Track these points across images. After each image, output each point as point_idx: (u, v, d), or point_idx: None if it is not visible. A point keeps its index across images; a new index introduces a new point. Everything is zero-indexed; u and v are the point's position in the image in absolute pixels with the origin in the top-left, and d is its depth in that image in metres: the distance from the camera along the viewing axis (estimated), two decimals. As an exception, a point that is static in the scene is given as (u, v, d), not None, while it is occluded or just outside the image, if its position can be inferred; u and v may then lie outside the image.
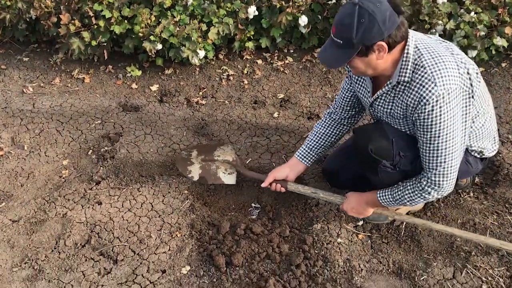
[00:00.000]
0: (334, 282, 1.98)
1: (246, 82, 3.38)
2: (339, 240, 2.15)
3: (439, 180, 1.81)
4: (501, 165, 2.48)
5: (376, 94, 1.89)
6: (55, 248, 2.16)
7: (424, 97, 1.67)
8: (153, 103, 3.23)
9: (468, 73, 1.73)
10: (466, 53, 3.16)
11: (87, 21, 3.30)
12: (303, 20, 3.31)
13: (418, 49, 1.71)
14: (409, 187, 1.90)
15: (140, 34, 3.20)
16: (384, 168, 1.92)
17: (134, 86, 3.39)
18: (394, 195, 1.95)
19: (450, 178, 1.82)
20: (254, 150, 2.77)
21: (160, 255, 2.12)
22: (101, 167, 2.63)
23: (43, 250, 2.16)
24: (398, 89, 1.80)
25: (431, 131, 1.73)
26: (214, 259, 2.06)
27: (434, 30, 3.17)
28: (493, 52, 3.23)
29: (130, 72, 3.46)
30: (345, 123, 2.22)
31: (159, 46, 3.22)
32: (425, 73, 1.68)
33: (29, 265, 2.09)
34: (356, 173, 2.14)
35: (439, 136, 1.73)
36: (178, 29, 3.20)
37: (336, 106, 2.21)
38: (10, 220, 2.32)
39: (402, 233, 2.19)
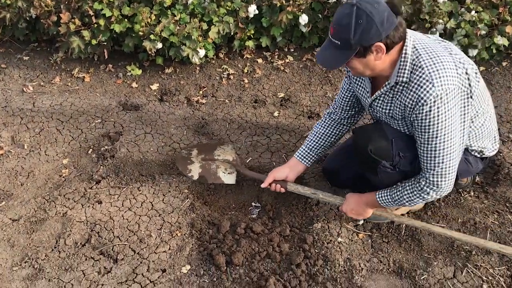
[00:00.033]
0: (335, 281, 1.98)
1: (246, 81, 3.38)
2: (339, 239, 2.15)
3: (437, 181, 1.81)
4: (502, 164, 2.48)
5: (374, 95, 1.89)
6: (55, 247, 2.16)
7: (422, 98, 1.67)
8: (153, 102, 3.22)
9: (466, 73, 1.72)
10: (467, 52, 3.16)
11: (87, 20, 3.30)
12: (304, 19, 3.30)
13: (416, 49, 1.71)
14: (408, 188, 1.90)
15: (140, 33, 3.19)
16: (383, 169, 1.91)
17: (134, 85, 3.39)
18: (393, 195, 1.94)
19: (449, 178, 1.82)
20: (254, 149, 2.77)
21: (160, 254, 2.12)
22: (101, 166, 2.63)
23: (43, 249, 2.16)
24: (396, 89, 1.79)
25: (429, 132, 1.72)
26: (214, 258, 2.06)
27: (434, 29, 3.16)
28: (494, 51, 3.22)
29: (130, 71, 3.46)
30: (344, 123, 2.21)
31: (159, 45, 3.21)
32: (423, 73, 1.67)
33: (29, 264, 2.09)
34: (356, 172, 2.14)
35: (437, 137, 1.72)
36: (178, 28, 3.19)
37: (335, 106, 2.21)
38: (10, 219, 2.32)
39: (403, 232, 2.18)
